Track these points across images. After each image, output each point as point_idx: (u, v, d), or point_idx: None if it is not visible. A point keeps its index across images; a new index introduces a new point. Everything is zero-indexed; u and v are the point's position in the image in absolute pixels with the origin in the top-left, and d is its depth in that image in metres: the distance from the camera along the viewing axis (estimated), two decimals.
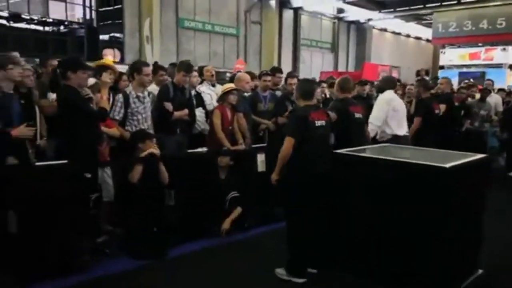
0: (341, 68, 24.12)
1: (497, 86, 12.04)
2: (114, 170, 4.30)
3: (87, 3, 15.17)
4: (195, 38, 18.77)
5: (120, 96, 4.46)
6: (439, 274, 3.07)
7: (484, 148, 7.62)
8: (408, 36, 30.38)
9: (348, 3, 22.62)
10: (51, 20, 14.86)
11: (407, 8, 22.44)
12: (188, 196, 4.47)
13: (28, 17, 14.33)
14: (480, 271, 3.57)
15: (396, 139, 5.01)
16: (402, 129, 5.21)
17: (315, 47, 24.36)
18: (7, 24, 14.00)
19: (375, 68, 19.09)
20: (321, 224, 3.58)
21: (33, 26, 14.60)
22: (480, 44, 23.66)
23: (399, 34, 29.60)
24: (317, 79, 10.53)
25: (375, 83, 8.06)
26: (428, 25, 24.69)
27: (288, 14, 22.25)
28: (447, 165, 3.04)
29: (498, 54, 21.29)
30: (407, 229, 3.17)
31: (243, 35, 20.50)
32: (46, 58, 5.20)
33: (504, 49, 21.09)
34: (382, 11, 23.54)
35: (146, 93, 4.71)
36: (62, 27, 15.51)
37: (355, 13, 24.34)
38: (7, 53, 3.70)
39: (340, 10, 24.35)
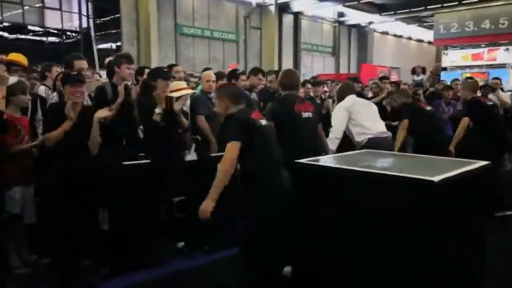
0: (343, 72, 23.89)
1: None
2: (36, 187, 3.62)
3: (84, 12, 15.08)
4: (194, 44, 18.63)
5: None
6: None
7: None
8: (409, 38, 30.10)
9: (348, 6, 22.39)
10: (46, 30, 14.75)
11: (407, 10, 22.17)
12: (127, 217, 3.72)
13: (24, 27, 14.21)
14: None
15: (373, 141, 4.33)
16: (379, 128, 4.53)
17: (316, 51, 24.16)
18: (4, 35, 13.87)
19: (373, 69, 18.84)
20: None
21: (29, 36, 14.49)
22: (483, 45, 23.41)
23: (400, 36, 29.36)
24: None
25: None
26: (430, 27, 24.45)
27: (288, 19, 22.08)
28: (435, 179, 2.49)
29: (501, 54, 20.97)
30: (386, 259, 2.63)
31: (243, 41, 20.34)
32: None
33: (507, 49, 20.80)
34: (383, 14, 23.29)
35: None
36: (57, 37, 15.37)
37: (355, 17, 24.13)
38: None
39: (341, 14, 24.19)
